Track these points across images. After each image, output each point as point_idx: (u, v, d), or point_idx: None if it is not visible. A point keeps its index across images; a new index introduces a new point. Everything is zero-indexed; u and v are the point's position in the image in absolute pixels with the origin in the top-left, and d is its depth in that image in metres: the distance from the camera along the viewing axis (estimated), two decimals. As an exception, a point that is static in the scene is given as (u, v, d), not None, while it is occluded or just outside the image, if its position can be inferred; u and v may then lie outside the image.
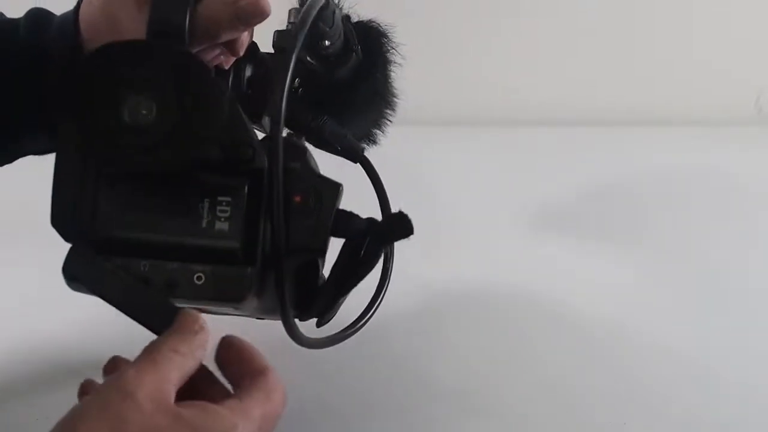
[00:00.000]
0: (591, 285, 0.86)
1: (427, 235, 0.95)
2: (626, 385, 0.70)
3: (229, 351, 0.43)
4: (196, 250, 0.42)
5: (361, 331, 0.57)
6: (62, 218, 0.44)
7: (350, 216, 0.48)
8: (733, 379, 0.70)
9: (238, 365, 0.42)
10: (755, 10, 1.37)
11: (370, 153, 0.62)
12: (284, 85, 0.44)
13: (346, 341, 0.55)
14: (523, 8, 1.35)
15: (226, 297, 0.42)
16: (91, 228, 0.43)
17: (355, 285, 0.49)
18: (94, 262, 0.42)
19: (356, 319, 0.56)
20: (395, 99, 0.65)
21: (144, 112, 0.40)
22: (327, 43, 0.55)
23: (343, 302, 0.53)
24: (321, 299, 0.50)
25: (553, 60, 1.38)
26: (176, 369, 0.38)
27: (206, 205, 0.42)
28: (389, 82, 0.63)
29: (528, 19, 1.36)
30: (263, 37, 0.55)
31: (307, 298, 0.50)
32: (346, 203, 0.49)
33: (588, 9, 1.34)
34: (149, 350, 0.38)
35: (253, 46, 0.55)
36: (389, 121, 0.65)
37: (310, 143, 0.57)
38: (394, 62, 0.63)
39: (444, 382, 0.70)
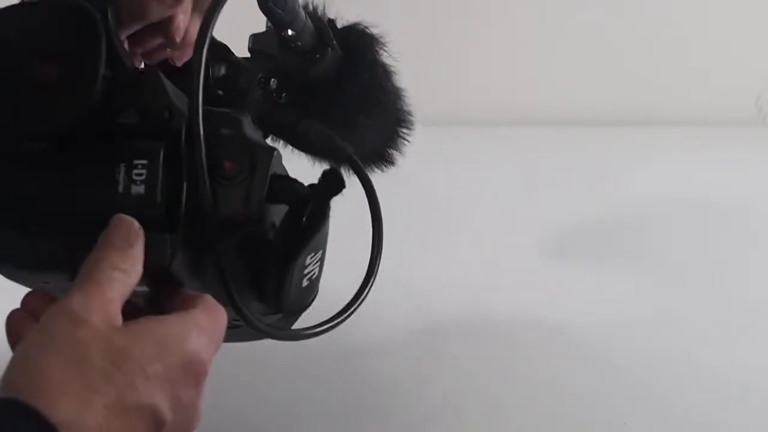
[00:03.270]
0: (591, 285, 0.85)
1: (425, 236, 0.96)
2: (626, 385, 0.70)
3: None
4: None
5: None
6: None
7: (288, 180, 0.46)
8: (733, 379, 0.70)
9: (168, 299, 0.41)
10: (755, 10, 1.37)
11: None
12: (207, 26, 0.43)
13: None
14: (523, 8, 1.35)
15: (150, 264, 0.40)
16: (13, 205, 0.41)
17: (301, 251, 0.46)
18: (23, 243, 0.41)
19: (336, 314, 0.52)
20: (405, 113, 0.63)
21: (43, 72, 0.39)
22: (290, 32, 0.54)
23: (313, 291, 0.51)
24: (270, 270, 0.47)
25: (553, 60, 1.38)
26: (120, 287, 0.37)
27: (122, 169, 0.41)
28: (387, 89, 0.62)
29: (528, 19, 1.36)
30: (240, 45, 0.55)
31: (259, 276, 0.48)
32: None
33: (588, 9, 1.34)
34: (89, 270, 0.37)
35: (225, 48, 0.54)
36: (406, 139, 0.63)
37: (296, 148, 0.56)
38: (388, 67, 0.61)
39: (443, 383, 0.70)
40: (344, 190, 0.46)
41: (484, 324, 0.79)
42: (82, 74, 0.41)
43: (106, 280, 0.37)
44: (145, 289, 0.42)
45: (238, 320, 0.47)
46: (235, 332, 0.51)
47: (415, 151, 1.18)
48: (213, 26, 0.43)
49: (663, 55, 1.36)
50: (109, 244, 0.38)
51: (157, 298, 0.41)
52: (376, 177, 0.57)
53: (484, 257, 0.92)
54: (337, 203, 0.48)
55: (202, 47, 0.43)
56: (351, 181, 0.54)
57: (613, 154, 1.22)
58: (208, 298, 0.40)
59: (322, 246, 0.49)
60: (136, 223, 0.39)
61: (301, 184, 0.46)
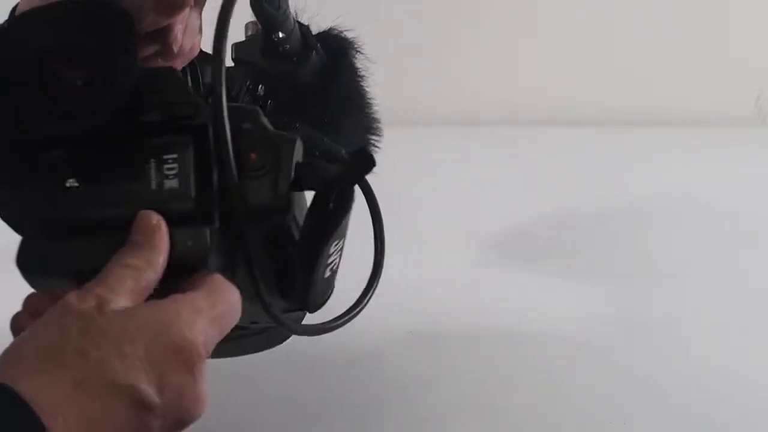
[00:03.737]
0: (591, 285, 0.86)
1: (425, 236, 0.96)
2: (626, 385, 0.70)
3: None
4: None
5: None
6: (8, 210, 0.42)
7: (314, 166, 0.46)
8: (733, 379, 0.70)
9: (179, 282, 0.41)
10: (755, 10, 1.37)
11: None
12: (225, 19, 0.42)
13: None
14: (523, 8, 1.35)
15: (186, 258, 0.40)
16: (42, 213, 0.41)
17: (329, 237, 0.46)
18: (53, 249, 0.41)
19: (348, 309, 0.52)
20: (375, 120, 0.64)
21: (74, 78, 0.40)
22: (281, 35, 0.54)
23: (332, 284, 0.51)
24: (299, 262, 0.47)
25: (552, 60, 1.38)
26: (130, 282, 0.37)
27: (153, 165, 0.41)
28: (362, 92, 0.62)
29: (529, 19, 1.36)
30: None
31: (285, 269, 0.48)
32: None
33: (588, 9, 1.35)
34: (101, 271, 0.37)
35: (209, 56, 0.54)
36: (376, 147, 0.64)
37: None
38: (360, 71, 0.62)
39: (444, 383, 0.70)
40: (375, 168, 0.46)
41: (484, 324, 0.79)
42: (116, 74, 0.41)
43: (111, 277, 0.37)
44: None
45: (255, 322, 0.48)
46: (256, 340, 0.51)
47: (415, 151, 1.18)
48: (230, 17, 0.43)
49: (663, 55, 1.36)
50: (129, 242, 0.38)
51: (167, 283, 0.40)
52: (374, 176, 0.57)
53: (484, 257, 0.92)
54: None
55: (222, 39, 0.42)
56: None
57: (613, 154, 1.22)
58: (215, 279, 0.40)
59: (344, 234, 0.48)
60: (156, 217, 0.39)
61: (327, 169, 0.46)
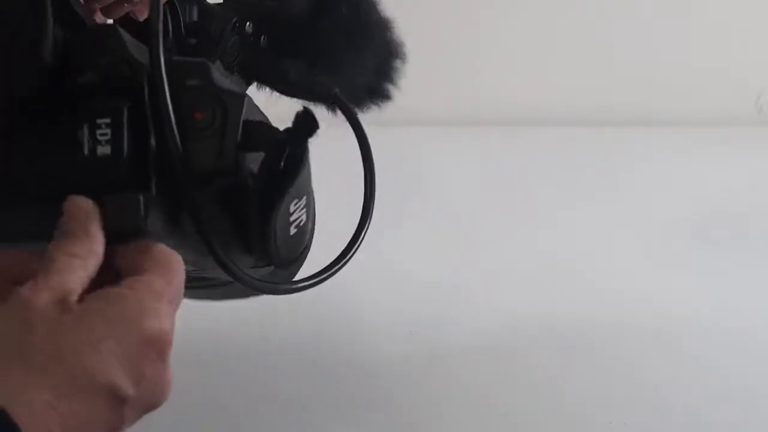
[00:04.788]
0: (590, 285, 0.85)
1: (426, 235, 0.96)
2: (626, 385, 0.70)
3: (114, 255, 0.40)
4: (83, 182, 0.39)
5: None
6: None
7: (262, 126, 0.44)
8: (734, 379, 0.70)
9: (121, 258, 0.39)
10: (755, 10, 1.37)
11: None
12: None
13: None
14: (523, 8, 1.35)
15: (122, 227, 0.38)
16: None
17: (282, 197, 0.45)
18: None
19: (328, 266, 0.50)
20: (394, 44, 0.60)
21: None
22: None
23: (303, 240, 0.49)
24: (252, 220, 0.45)
25: (552, 60, 1.37)
26: (80, 273, 0.36)
27: (86, 130, 0.39)
28: (372, 21, 0.59)
29: (529, 18, 1.36)
30: None
31: (243, 227, 0.46)
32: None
33: (588, 9, 1.34)
34: (48, 260, 0.36)
35: None
36: (399, 71, 0.61)
37: (280, 93, 0.54)
38: (377, 1, 0.58)
39: (444, 382, 0.70)
40: (319, 131, 0.44)
41: (483, 324, 0.79)
42: (28, 37, 0.39)
43: (64, 269, 0.36)
44: None
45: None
46: (228, 289, 0.49)
47: (415, 151, 1.18)
48: None
49: (663, 55, 1.36)
50: (65, 232, 0.37)
51: (109, 256, 0.39)
52: (377, 173, 0.56)
53: (484, 257, 0.92)
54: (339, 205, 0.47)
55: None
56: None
57: (613, 154, 1.22)
58: (160, 252, 0.38)
59: (307, 191, 0.47)
60: (89, 204, 0.38)
61: (276, 129, 0.45)
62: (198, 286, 0.46)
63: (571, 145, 1.26)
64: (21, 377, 0.32)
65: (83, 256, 0.37)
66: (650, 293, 0.85)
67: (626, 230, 1.00)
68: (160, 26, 0.41)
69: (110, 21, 0.50)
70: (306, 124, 0.44)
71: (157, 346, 0.36)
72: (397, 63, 0.61)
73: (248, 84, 0.53)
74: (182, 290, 0.39)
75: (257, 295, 0.50)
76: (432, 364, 0.73)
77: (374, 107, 0.61)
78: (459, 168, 1.17)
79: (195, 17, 0.51)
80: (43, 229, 0.38)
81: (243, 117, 0.43)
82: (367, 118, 0.57)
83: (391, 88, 0.61)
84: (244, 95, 0.44)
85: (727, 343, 0.76)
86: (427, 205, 1.04)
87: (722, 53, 1.36)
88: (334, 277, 0.51)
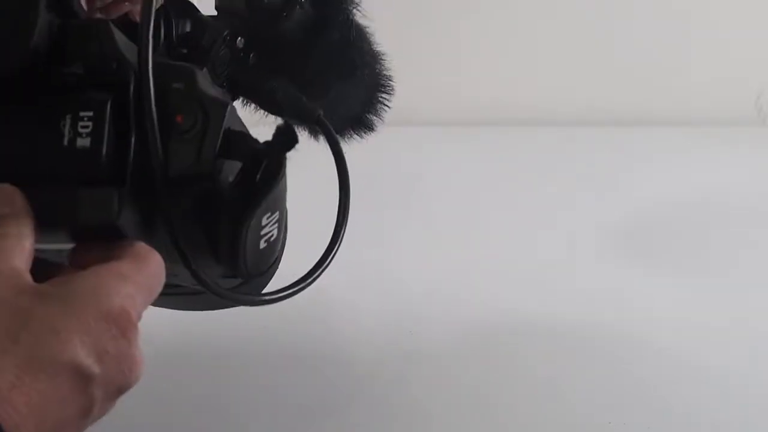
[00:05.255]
0: (589, 285, 0.86)
1: (425, 235, 0.96)
2: (626, 385, 0.70)
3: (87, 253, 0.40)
4: (59, 172, 0.39)
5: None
6: None
7: (242, 136, 0.44)
8: (734, 380, 0.70)
9: (95, 254, 0.39)
10: (755, 10, 1.37)
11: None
12: None
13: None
14: (523, 7, 1.35)
15: (94, 221, 0.39)
16: None
17: (254, 210, 0.44)
18: None
19: (302, 278, 0.49)
20: (384, 78, 0.61)
21: None
22: None
23: (273, 254, 0.49)
24: (223, 230, 0.45)
25: (551, 60, 1.37)
26: (18, 251, 0.36)
27: (68, 121, 0.39)
28: (363, 51, 0.59)
29: (528, 18, 1.36)
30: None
31: (214, 236, 0.46)
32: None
33: (588, 9, 1.34)
34: None
35: (190, 5, 0.52)
36: (386, 105, 0.61)
37: (265, 110, 0.55)
38: (364, 28, 0.58)
39: (443, 383, 0.70)
40: (297, 146, 0.45)
41: (484, 324, 0.79)
42: (19, 16, 0.39)
43: (3, 249, 0.36)
44: (69, 247, 0.41)
45: (195, 284, 0.46)
46: (198, 299, 0.49)
47: (415, 151, 1.18)
48: None
49: (663, 55, 1.36)
50: None
51: (82, 254, 0.40)
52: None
53: (484, 257, 0.92)
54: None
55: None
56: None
57: (613, 154, 1.22)
58: (137, 246, 0.39)
59: (280, 206, 0.47)
60: (11, 188, 0.38)
61: (256, 141, 0.45)
62: (169, 293, 0.46)
63: (571, 145, 1.26)
64: None
65: (18, 234, 0.37)
66: (651, 293, 0.85)
67: (626, 230, 1.00)
68: (151, 25, 0.41)
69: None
70: (285, 138, 0.45)
71: (119, 323, 0.35)
72: (384, 97, 0.61)
73: (234, 98, 0.54)
74: (157, 283, 0.39)
75: (226, 307, 0.51)
76: (432, 364, 0.73)
77: (356, 138, 0.61)
78: (459, 168, 1.17)
79: (188, 29, 0.52)
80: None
81: (224, 125, 0.43)
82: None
83: (375, 120, 0.62)
84: (227, 103, 0.44)
85: (728, 343, 0.76)
86: (426, 206, 1.04)
87: (722, 53, 1.36)
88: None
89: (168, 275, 0.44)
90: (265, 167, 0.44)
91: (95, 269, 0.37)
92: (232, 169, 0.45)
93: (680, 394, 0.68)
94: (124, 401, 0.37)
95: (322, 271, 0.50)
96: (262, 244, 0.47)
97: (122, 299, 0.36)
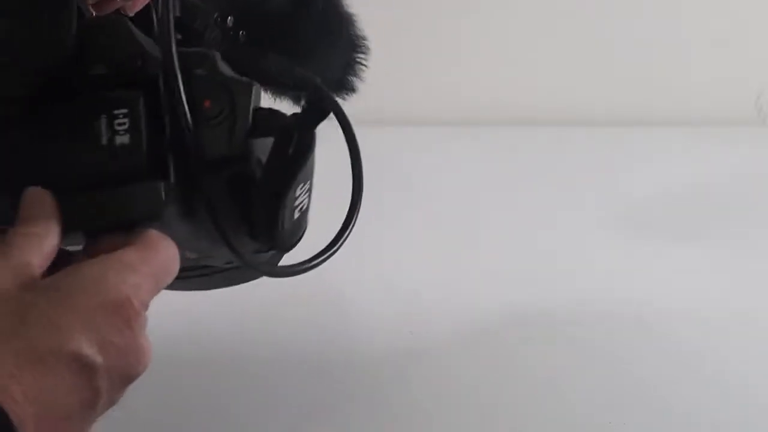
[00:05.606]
0: (589, 285, 0.86)
1: (425, 236, 0.96)
2: (626, 385, 0.70)
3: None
4: (102, 171, 0.40)
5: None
6: None
7: (270, 113, 0.45)
8: (734, 380, 0.70)
9: (107, 244, 0.40)
10: (755, 10, 1.37)
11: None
12: None
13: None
14: (523, 7, 1.35)
15: (141, 214, 0.39)
16: None
17: (291, 183, 0.45)
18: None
19: (322, 250, 0.50)
20: (359, 38, 0.62)
21: None
22: None
23: (303, 224, 0.49)
24: (261, 206, 0.46)
25: (551, 60, 1.38)
26: (37, 249, 0.37)
27: (103, 121, 0.40)
28: (341, 15, 0.60)
29: (528, 18, 1.36)
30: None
31: (250, 214, 0.46)
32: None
33: (588, 9, 1.34)
34: (3, 244, 0.37)
35: None
36: (363, 65, 0.62)
37: (263, 86, 0.55)
38: None
39: (443, 383, 0.70)
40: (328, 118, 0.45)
41: (483, 324, 0.79)
42: (53, 28, 0.39)
43: (17, 246, 0.36)
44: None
45: (230, 262, 0.47)
46: (228, 275, 0.50)
47: (415, 151, 1.18)
48: None
49: (662, 54, 1.36)
50: (21, 217, 0.38)
51: (93, 243, 0.40)
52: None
53: (484, 257, 0.92)
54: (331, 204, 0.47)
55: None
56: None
57: (613, 154, 1.22)
58: (148, 234, 0.39)
59: (310, 176, 0.48)
60: (42, 192, 0.38)
61: (284, 115, 0.45)
62: (191, 276, 0.46)
63: (571, 145, 1.26)
64: None
65: (40, 233, 0.37)
66: (651, 293, 0.85)
67: (626, 230, 1.00)
68: (171, 18, 0.41)
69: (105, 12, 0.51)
70: (316, 111, 0.45)
71: (123, 313, 0.36)
72: (361, 57, 0.62)
73: None
74: (168, 271, 0.39)
75: (250, 280, 0.51)
76: (432, 364, 0.73)
77: (341, 99, 0.62)
78: (459, 168, 1.17)
79: (178, 12, 0.51)
80: (66, 216, 0.39)
81: (251, 103, 0.43)
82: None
83: (356, 81, 0.62)
84: (251, 83, 0.44)
85: (729, 343, 0.76)
86: (426, 206, 1.04)
87: (722, 53, 1.36)
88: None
89: (202, 257, 0.45)
90: (297, 140, 0.45)
91: (101, 259, 0.37)
92: (262, 145, 0.45)
93: (680, 394, 0.68)
94: (125, 400, 0.37)
95: (348, 234, 0.50)
96: (296, 214, 0.48)
97: (126, 288, 0.36)
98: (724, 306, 0.82)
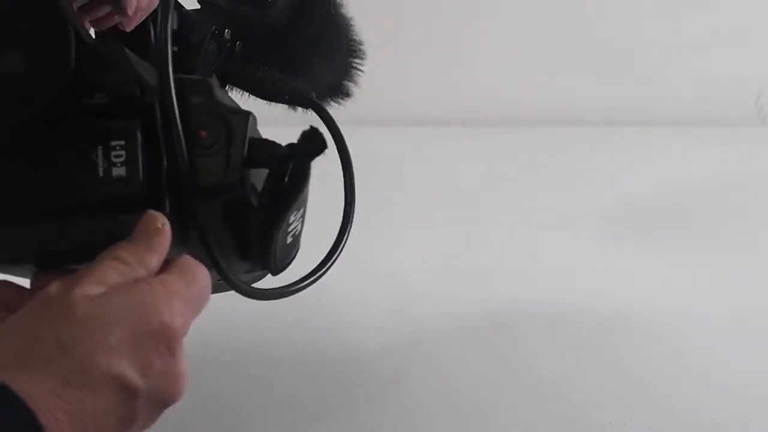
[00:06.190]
0: (589, 285, 0.86)
1: (424, 236, 0.96)
2: (626, 385, 0.70)
3: None
4: (99, 202, 0.40)
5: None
6: None
7: (267, 143, 0.46)
8: (734, 380, 0.70)
9: None
10: (755, 10, 1.37)
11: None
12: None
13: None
14: (523, 7, 1.35)
15: None
16: None
17: (286, 212, 0.46)
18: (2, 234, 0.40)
19: (311, 272, 0.52)
20: (355, 43, 0.62)
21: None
22: None
23: (296, 246, 0.50)
24: (256, 233, 0.47)
25: (551, 60, 1.37)
26: (114, 274, 0.37)
27: (100, 152, 0.40)
28: (338, 24, 0.61)
29: (528, 18, 1.36)
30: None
31: (245, 240, 0.47)
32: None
33: (588, 9, 1.34)
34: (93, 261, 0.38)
35: (174, 2, 0.51)
36: (359, 70, 0.63)
37: (259, 98, 0.56)
38: (342, 4, 0.60)
39: (443, 383, 0.70)
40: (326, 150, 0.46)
41: (483, 324, 0.79)
42: (53, 59, 0.40)
43: (99, 269, 0.37)
44: None
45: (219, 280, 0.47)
46: (221, 285, 0.51)
47: (415, 151, 1.18)
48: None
49: (662, 54, 1.36)
50: (129, 239, 0.39)
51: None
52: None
53: (484, 256, 0.92)
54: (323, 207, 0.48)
55: (167, 23, 0.43)
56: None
57: (613, 154, 1.22)
58: (185, 261, 0.40)
59: (305, 203, 0.48)
60: (161, 220, 0.39)
61: (279, 146, 0.46)
62: None
63: (571, 145, 1.26)
64: (35, 367, 0.33)
65: (129, 262, 0.38)
66: (651, 293, 0.85)
67: (626, 230, 1.00)
68: (169, 50, 0.42)
69: (100, 31, 0.51)
70: (314, 143, 0.45)
71: (166, 340, 0.36)
72: (357, 62, 0.62)
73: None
74: (204, 296, 0.40)
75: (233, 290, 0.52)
76: (432, 364, 0.73)
77: (336, 105, 0.62)
78: (459, 168, 1.17)
79: (175, 26, 0.52)
80: (63, 247, 0.40)
81: (247, 134, 0.44)
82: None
83: (352, 86, 0.63)
84: (248, 113, 0.45)
85: (729, 344, 0.76)
86: (426, 205, 1.04)
87: (722, 53, 1.36)
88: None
89: None
90: (293, 170, 0.45)
91: (147, 282, 0.38)
92: (258, 173, 0.45)
93: (680, 394, 0.68)
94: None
95: (339, 253, 0.52)
96: (289, 239, 0.49)
97: (171, 315, 0.37)
98: (724, 306, 0.82)
